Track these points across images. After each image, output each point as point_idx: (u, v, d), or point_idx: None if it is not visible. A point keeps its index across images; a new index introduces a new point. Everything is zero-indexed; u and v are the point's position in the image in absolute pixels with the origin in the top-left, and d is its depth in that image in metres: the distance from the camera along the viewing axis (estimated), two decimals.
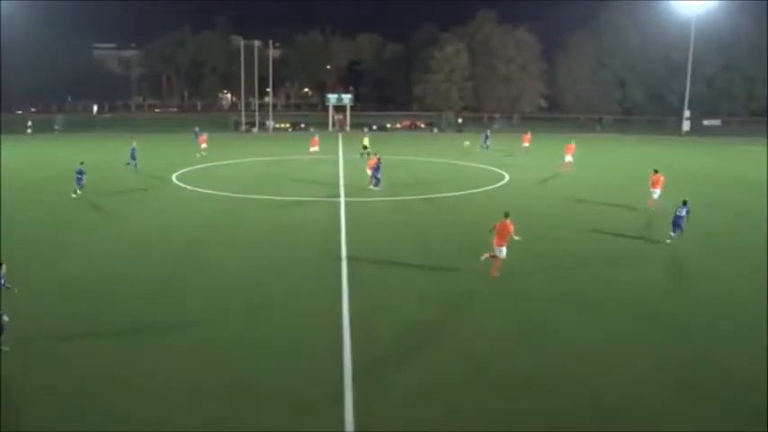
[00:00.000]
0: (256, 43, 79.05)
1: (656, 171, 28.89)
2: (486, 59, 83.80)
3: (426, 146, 57.53)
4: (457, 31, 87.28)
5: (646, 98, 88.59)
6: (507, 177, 38.12)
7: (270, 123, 77.74)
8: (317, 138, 48.05)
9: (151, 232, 23.77)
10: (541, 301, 16.93)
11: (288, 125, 78.70)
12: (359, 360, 13.08)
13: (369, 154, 41.10)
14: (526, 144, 49.77)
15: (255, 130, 76.05)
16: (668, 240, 22.57)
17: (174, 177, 36.82)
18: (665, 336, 14.97)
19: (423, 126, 79.71)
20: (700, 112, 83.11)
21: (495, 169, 41.08)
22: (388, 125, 79.12)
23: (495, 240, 18.56)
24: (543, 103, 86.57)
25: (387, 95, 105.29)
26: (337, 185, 34.03)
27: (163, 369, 12.73)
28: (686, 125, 78.81)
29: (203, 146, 47.74)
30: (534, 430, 11.03)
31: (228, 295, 16.97)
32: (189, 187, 33.58)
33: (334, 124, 76.94)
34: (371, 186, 32.58)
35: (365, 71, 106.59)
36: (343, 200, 30.02)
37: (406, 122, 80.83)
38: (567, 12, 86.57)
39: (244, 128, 76.75)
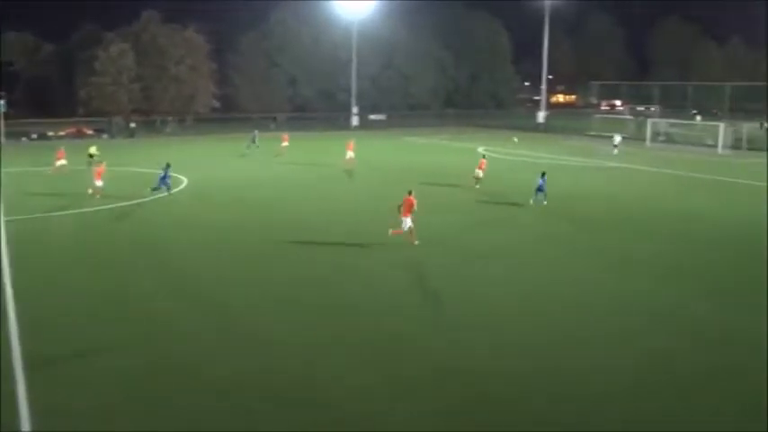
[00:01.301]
0: None
1: (483, 156, 36.19)
2: (154, 60, 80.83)
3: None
4: (122, 31, 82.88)
5: (317, 95, 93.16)
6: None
7: None
8: None
9: None
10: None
11: None
12: None
13: (96, 162, 38.04)
14: (285, 144, 50.82)
15: None
16: (544, 203, 29.94)
17: None
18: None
19: (91, 132, 74.30)
20: (366, 107, 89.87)
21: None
22: (51, 133, 72.35)
23: (402, 214, 22.26)
24: (216, 104, 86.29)
25: (47, 100, 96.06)
26: None
27: None
28: (355, 120, 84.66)
29: None
30: None
31: None
32: None
33: None
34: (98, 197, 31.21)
35: (18, 74, 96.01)
36: None
37: (72, 129, 74.58)
38: (237, 12, 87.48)
39: None
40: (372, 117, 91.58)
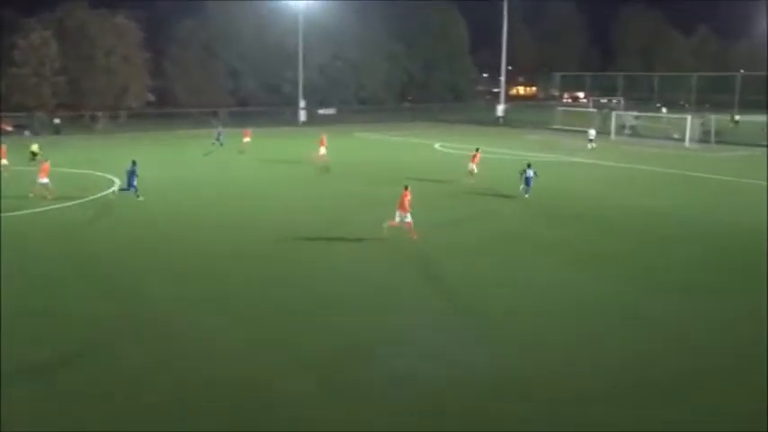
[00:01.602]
0: None
1: (477, 150, 37.39)
2: (81, 50, 79.22)
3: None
4: (43, 18, 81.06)
5: (261, 88, 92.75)
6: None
7: None
8: None
9: None
10: None
11: None
12: None
13: (40, 161, 36.95)
14: (247, 139, 51.37)
15: None
16: (526, 195, 31.90)
17: None
18: None
19: (10, 129, 72.53)
20: (314, 101, 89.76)
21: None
22: None
23: (398, 209, 23.79)
24: (151, 97, 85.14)
25: None
26: None
27: None
28: (303, 115, 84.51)
29: None
30: None
31: None
32: None
33: None
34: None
35: None
36: None
37: None
38: None
39: None
40: (321, 112, 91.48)
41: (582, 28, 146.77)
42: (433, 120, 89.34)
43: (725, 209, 30.88)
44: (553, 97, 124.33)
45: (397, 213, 24.02)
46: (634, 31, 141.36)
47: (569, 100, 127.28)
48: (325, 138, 44.89)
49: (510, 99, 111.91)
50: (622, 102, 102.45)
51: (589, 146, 56.12)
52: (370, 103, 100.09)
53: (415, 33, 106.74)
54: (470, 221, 27.81)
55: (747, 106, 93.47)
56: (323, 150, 43.38)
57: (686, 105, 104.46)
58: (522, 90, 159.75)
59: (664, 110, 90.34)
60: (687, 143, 60.62)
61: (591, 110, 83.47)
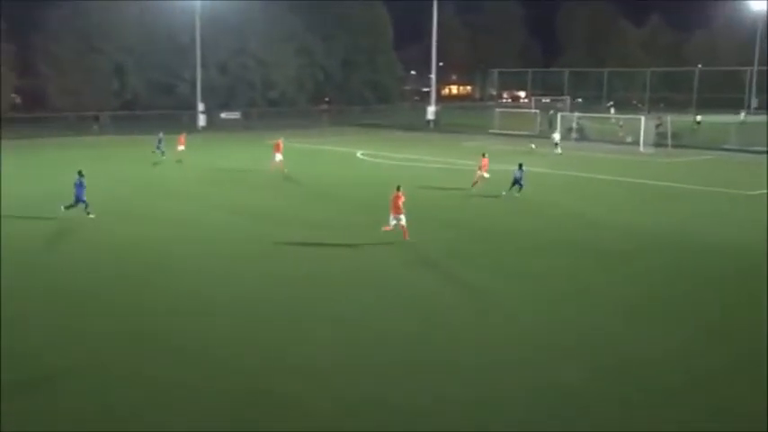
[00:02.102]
0: None
1: (483, 155, 38.76)
2: None
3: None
4: None
5: (151, 89, 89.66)
6: None
7: None
8: None
9: None
10: None
11: None
12: None
13: None
14: (182, 147, 51.42)
15: None
16: (504, 193, 35.66)
17: None
18: None
19: None
20: (216, 103, 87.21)
21: None
22: None
23: (392, 212, 25.49)
24: (17, 99, 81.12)
25: None
26: None
27: None
28: (202, 119, 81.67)
29: None
30: None
31: None
32: None
33: None
34: None
35: None
36: None
37: None
38: None
39: None
40: (224, 116, 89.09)
41: (522, 20, 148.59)
42: (354, 124, 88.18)
43: (677, 220, 30.46)
44: (491, 97, 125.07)
45: (391, 216, 25.68)
46: (580, 22, 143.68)
47: (509, 100, 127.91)
48: (281, 143, 45.78)
49: (442, 100, 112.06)
50: (569, 101, 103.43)
51: (557, 150, 57.10)
52: (281, 106, 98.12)
53: (333, 26, 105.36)
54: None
55: (707, 105, 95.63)
56: (279, 157, 44.58)
57: (639, 105, 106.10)
58: (455, 89, 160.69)
59: (613, 110, 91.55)
60: (642, 147, 60.75)
61: (533, 111, 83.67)
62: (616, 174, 45.43)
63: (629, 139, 64.96)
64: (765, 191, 38.51)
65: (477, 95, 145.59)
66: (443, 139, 70.88)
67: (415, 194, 33.80)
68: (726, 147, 62.02)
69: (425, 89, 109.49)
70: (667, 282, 21.65)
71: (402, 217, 25.54)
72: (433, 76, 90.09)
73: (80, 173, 30.30)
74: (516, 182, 35.52)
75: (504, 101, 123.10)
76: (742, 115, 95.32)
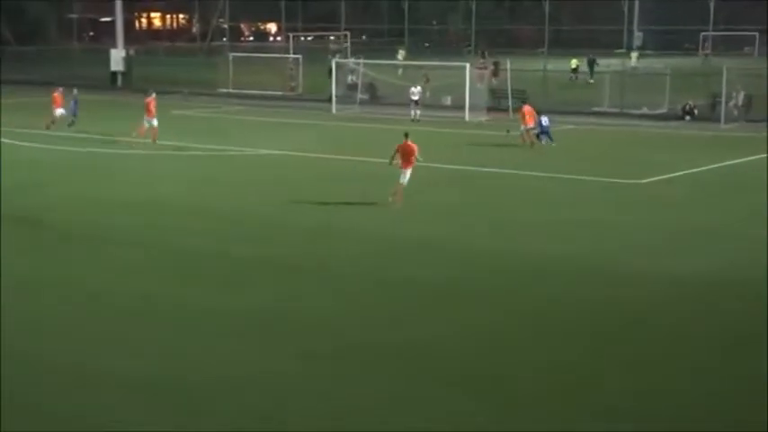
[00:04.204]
0: None
1: (524, 101, 52.28)
2: None
3: None
4: None
5: None
6: None
7: None
8: None
9: None
10: None
11: None
12: None
13: None
14: (60, 110, 56.11)
15: None
16: (553, 144, 49.00)
17: None
18: None
19: None
20: None
21: None
22: None
23: (401, 164, 34.12)
24: None
25: None
26: None
27: None
28: None
29: None
30: None
31: None
32: None
33: None
34: None
35: None
36: None
37: None
38: None
39: None
40: None
41: None
42: None
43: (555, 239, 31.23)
44: (220, 33, 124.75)
45: (402, 171, 34.13)
46: None
47: (251, 38, 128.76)
48: (152, 101, 52.33)
49: (137, 37, 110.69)
50: (345, 42, 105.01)
51: (413, 114, 60.53)
52: None
53: None
54: None
55: (566, 44, 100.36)
56: (154, 122, 51.75)
57: (468, 46, 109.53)
58: (158, 21, 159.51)
59: (400, 54, 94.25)
60: (467, 114, 61.92)
61: (292, 56, 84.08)
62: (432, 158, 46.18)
63: (447, 102, 66.46)
64: (663, 176, 40.93)
65: (198, 30, 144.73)
66: (139, 106, 70.07)
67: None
68: (604, 109, 64.97)
69: (105, 19, 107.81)
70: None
71: (408, 173, 34.15)
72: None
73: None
74: (544, 132, 49.00)
75: (246, 40, 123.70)
76: (633, 58, 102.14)
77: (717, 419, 17.20)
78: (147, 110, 52.52)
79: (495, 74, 70.93)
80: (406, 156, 34.21)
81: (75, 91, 57.34)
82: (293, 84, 76.15)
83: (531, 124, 49.45)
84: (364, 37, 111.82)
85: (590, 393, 18.34)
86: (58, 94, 56.45)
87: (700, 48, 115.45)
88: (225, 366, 19.43)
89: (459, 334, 21.90)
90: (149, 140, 51.25)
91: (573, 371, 19.27)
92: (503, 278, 26.66)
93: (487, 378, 19.05)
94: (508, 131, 53.82)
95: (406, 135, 35.01)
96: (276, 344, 20.81)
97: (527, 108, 50.58)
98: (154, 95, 54.24)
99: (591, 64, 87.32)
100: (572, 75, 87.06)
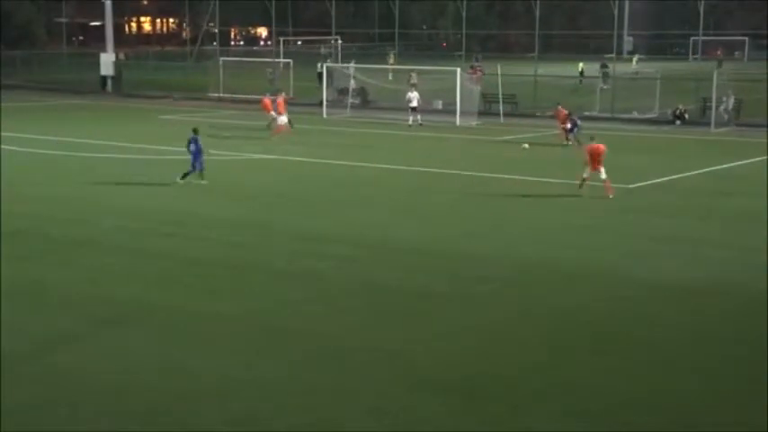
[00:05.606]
0: None
1: (558, 104, 54.65)
2: None
3: None
4: None
5: None
6: None
7: None
8: None
9: None
10: None
11: None
12: None
13: None
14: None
15: None
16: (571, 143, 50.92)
17: None
18: None
19: None
20: None
21: None
22: None
23: (591, 166, 36.05)
24: None
25: None
26: None
27: None
28: None
29: None
30: None
31: None
32: None
33: None
34: None
35: None
36: None
37: None
38: None
39: None
40: None
41: None
42: None
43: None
44: (211, 37, 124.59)
45: (586, 170, 36.28)
46: None
47: (241, 43, 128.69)
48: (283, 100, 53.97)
49: (127, 42, 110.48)
50: (339, 45, 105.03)
51: (411, 120, 60.11)
52: None
53: None
54: None
55: (559, 48, 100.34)
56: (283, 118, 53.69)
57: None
58: (148, 26, 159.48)
59: (392, 57, 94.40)
60: (458, 119, 62.02)
61: (281, 60, 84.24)
62: (422, 162, 46.09)
63: (438, 105, 66.46)
64: (652, 181, 40.96)
65: (189, 34, 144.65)
66: (128, 110, 70.07)
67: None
68: (595, 114, 65.06)
69: (95, 23, 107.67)
70: None
71: (602, 170, 36.03)
72: (107, 1, 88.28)
73: (195, 131, 39.76)
74: (575, 126, 51.93)
75: (236, 44, 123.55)
76: (634, 62, 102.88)
77: (717, 419, 17.10)
78: (278, 108, 54.57)
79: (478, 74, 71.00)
80: (596, 156, 35.84)
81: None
82: (273, 89, 76.38)
83: (566, 125, 52.49)
84: (355, 41, 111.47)
85: (570, 397, 17.98)
86: (278, 100, 55.90)
87: (690, 52, 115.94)
88: (210, 373, 18.93)
89: (454, 335, 21.58)
90: (287, 135, 53.25)
91: (561, 374, 19.06)
92: (489, 283, 26.10)
93: (486, 379, 18.81)
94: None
95: (592, 138, 37.51)
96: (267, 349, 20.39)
97: (561, 110, 54.03)
98: (284, 95, 57.04)
99: (604, 70, 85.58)
100: (579, 79, 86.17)
